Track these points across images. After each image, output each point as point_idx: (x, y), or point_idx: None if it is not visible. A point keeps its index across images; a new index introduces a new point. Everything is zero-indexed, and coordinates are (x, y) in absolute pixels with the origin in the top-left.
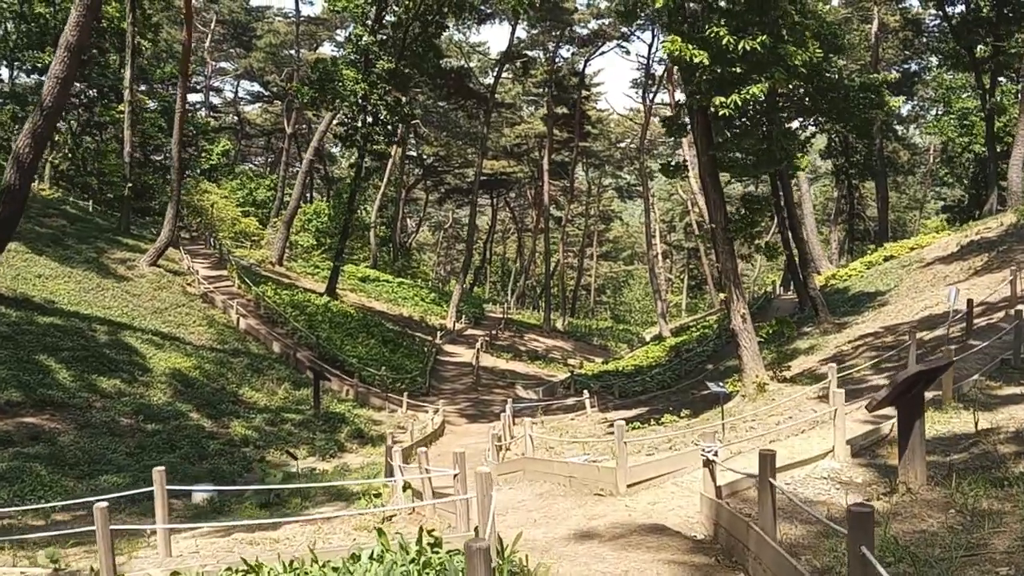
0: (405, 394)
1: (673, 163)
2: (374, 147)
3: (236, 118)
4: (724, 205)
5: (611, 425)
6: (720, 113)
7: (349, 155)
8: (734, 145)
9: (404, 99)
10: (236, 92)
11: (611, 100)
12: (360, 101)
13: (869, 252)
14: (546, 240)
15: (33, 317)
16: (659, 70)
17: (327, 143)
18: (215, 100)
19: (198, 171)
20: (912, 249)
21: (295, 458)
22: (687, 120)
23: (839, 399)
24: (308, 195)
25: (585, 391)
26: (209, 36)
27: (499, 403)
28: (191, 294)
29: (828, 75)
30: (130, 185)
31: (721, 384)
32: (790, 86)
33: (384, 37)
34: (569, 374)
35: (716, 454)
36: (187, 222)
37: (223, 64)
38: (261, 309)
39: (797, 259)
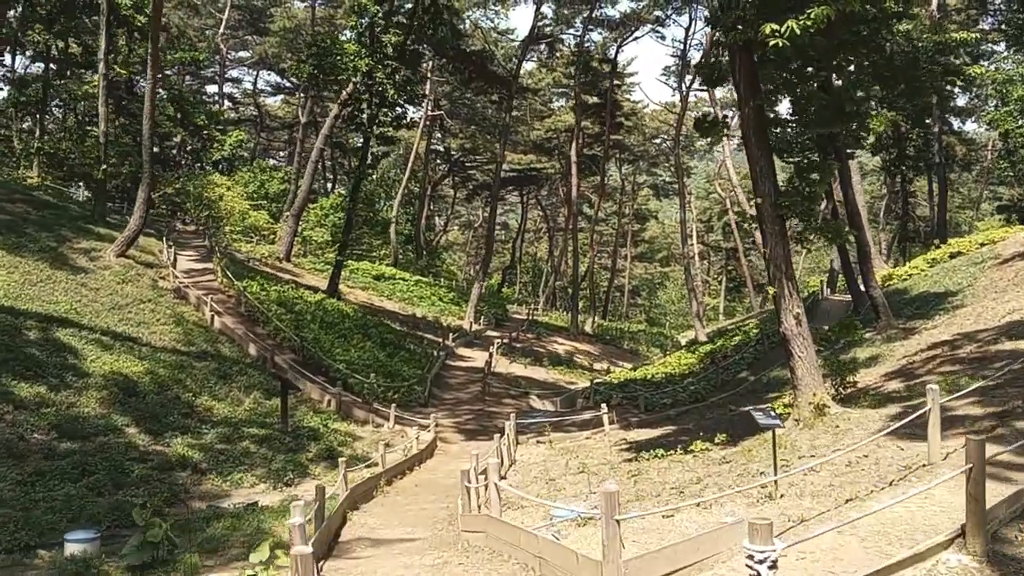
0: (393, 406)
1: (710, 117)
2: (381, 130)
3: (255, 110)
4: (774, 172)
5: (630, 448)
6: (771, 45)
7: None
8: (788, 92)
9: (414, 77)
10: (255, 83)
11: (645, 92)
12: (364, 79)
13: (933, 248)
14: (574, 239)
15: None
16: (696, 56)
17: (349, 133)
18: (234, 91)
19: (208, 162)
20: (983, 245)
21: (187, 507)
22: (724, 63)
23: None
24: (327, 188)
25: (604, 404)
26: (223, 22)
27: (507, 416)
28: (162, 289)
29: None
30: (104, 168)
31: (771, 413)
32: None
33: (391, 7)
34: (591, 382)
35: (774, 565)
36: (193, 215)
37: (242, 53)
38: (242, 307)
39: (854, 252)
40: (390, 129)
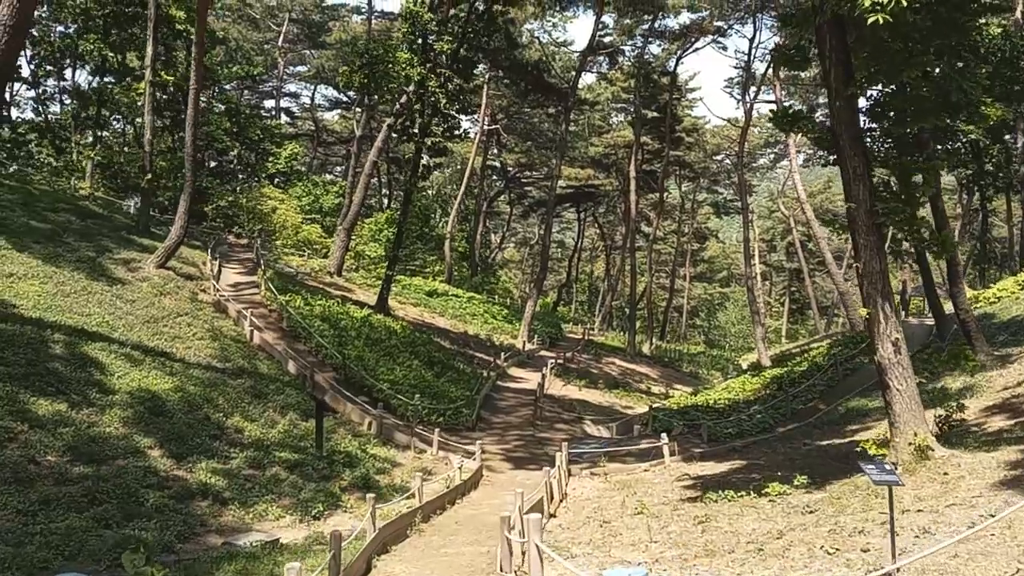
0: (437, 430)
1: (791, 111)
2: (433, 141)
3: (312, 125)
4: (869, 174)
5: (694, 484)
6: (869, 23)
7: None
8: (887, 78)
9: (467, 87)
10: (312, 97)
11: (708, 106)
12: (416, 88)
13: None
14: (632, 258)
15: None
16: (760, 68)
17: (402, 145)
18: (292, 106)
19: (263, 175)
20: None
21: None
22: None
23: None
24: (383, 203)
25: (664, 434)
26: (282, 36)
27: (559, 443)
28: (201, 302)
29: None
30: (148, 177)
31: (885, 466)
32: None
33: (443, 15)
34: (649, 408)
35: None
36: (246, 228)
37: (300, 68)
38: (284, 322)
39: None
40: (442, 140)
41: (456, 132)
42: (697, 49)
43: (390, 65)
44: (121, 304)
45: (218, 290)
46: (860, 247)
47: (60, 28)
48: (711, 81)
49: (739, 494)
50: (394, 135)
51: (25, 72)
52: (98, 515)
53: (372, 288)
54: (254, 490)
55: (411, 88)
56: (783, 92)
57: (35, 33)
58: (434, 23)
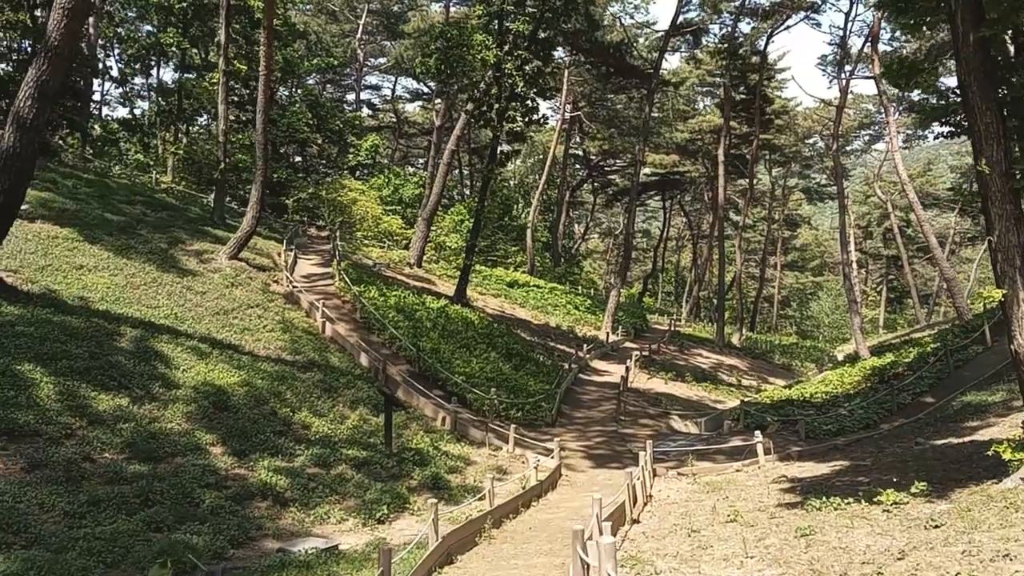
0: (514, 426)
1: (907, 60)
2: (510, 126)
3: (394, 116)
4: (1004, 131)
5: (793, 488)
6: None
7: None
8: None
9: (545, 70)
10: (393, 89)
11: (798, 86)
12: (492, 71)
13: None
14: (720, 246)
15: (42, 315)
16: (857, 43)
17: (479, 131)
18: (373, 98)
19: (344, 168)
20: None
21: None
22: None
23: None
24: (464, 194)
25: (757, 431)
26: (360, 28)
27: (644, 439)
28: (273, 293)
29: None
30: (222, 167)
31: None
32: None
33: None
34: (740, 402)
35: None
36: (327, 220)
37: (380, 60)
38: (358, 313)
39: None
40: (521, 125)
41: (535, 117)
42: (789, 27)
43: (465, 48)
44: (191, 296)
45: (291, 281)
46: (994, 217)
47: (148, 28)
48: (802, 60)
49: (846, 501)
50: (472, 121)
51: (115, 71)
52: (149, 518)
53: (452, 279)
54: (317, 490)
55: (488, 72)
56: (881, 70)
57: (122, 32)
58: (510, 3)
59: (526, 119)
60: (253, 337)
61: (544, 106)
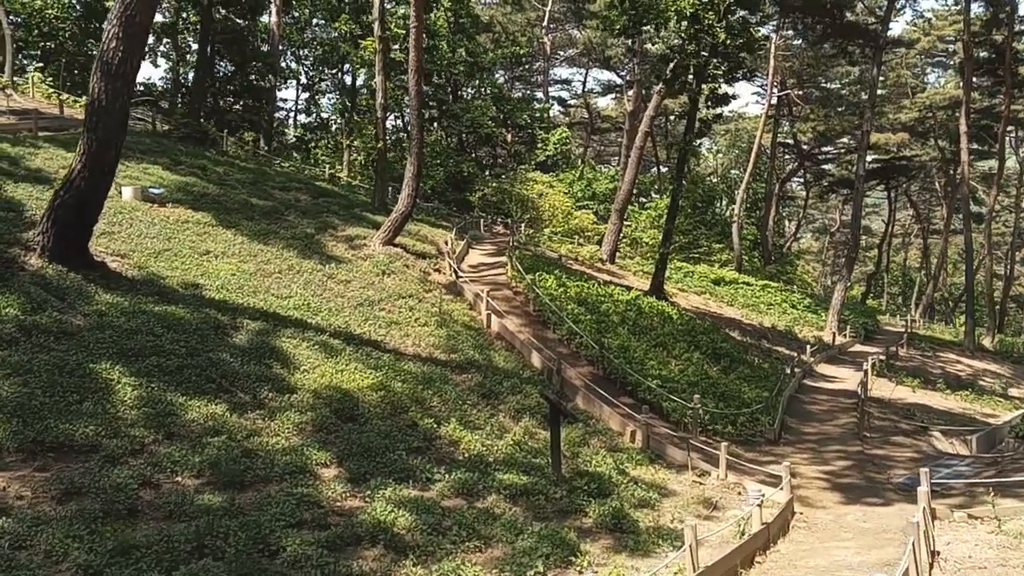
0: (724, 443)
1: None
2: (711, 86)
3: (585, 112)
4: None
5: None
6: None
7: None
8: None
9: (752, 20)
10: (584, 82)
11: None
12: (688, 25)
13: None
14: (967, 238)
15: (140, 304)
16: None
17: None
18: (563, 93)
19: (532, 163)
20: None
21: None
22: None
23: None
24: (659, 188)
25: None
26: (546, 16)
27: (900, 463)
28: (432, 283)
29: None
30: (380, 145)
31: None
32: None
33: None
34: (1019, 414)
35: None
36: (515, 216)
37: (570, 52)
38: (531, 306)
39: None
40: (722, 84)
41: (739, 74)
42: None
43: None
44: (332, 284)
45: (455, 270)
46: None
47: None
48: None
49: None
50: (665, 103)
51: (303, 79)
52: (198, 571)
53: (647, 275)
54: (451, 532)
55: (682, 25)
56: None
57: (309, 35)
58: None
59: (729, 76)
60: (400, 332)
61: (748, 90)
